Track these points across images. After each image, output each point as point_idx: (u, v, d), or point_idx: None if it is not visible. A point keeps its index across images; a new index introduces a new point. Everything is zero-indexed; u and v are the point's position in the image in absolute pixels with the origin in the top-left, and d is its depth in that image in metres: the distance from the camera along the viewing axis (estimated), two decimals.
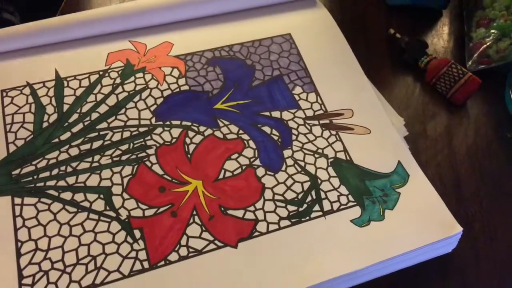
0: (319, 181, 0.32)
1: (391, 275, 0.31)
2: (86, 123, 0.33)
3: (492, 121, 0.38)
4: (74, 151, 0.31)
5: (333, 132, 0.34)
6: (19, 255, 0.27)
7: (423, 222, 0.30)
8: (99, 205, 0.29)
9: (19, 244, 0.27)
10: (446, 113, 0.38)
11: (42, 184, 0.30)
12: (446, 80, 0.37)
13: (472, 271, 0.31)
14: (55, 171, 0.30)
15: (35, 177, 0.30)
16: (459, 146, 0.37)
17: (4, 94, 0.33)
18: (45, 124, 0.32)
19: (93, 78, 0.35)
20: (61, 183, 0.30)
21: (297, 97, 0.36)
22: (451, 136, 0.37)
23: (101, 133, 0.32)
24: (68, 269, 0.27)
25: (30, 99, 0.33)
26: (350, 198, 0.31)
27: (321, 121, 0.35)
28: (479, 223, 0.33)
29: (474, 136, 0.37)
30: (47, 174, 0.30)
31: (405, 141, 0.35)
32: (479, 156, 0.36)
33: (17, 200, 0.29)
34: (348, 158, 0.33)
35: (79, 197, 0.30)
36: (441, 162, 0.36)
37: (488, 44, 0.38)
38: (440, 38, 0.43)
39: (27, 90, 0.34)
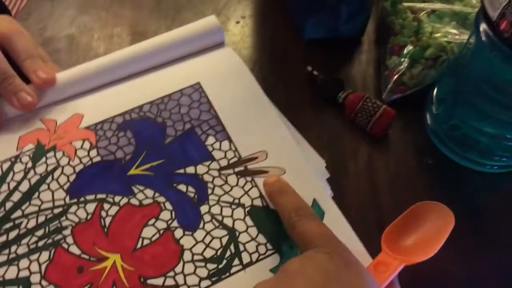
0: (237, 233, 0.34)
1: None
2: (1, 215, 0.34)
3: (413, 148, 0.40)
4: None
5: (249, 179, 0.36)
6: None
7: None
8: None
9: None
10: (367, 147, 0.40)
11: None
12: (364, 114, 0.39)
13: None
14: None
15: None
16: (381, 180, 0.38)
17: None
18: None
19: (5, 166, 0.37)
20: None
21: (210, 148, 0.37)
22: (372, 171, 0.39)
23: (16, 222, 0.34)
24: None
25: None
26: (269, 246, 0.33)
27: (236, 169, 0.36)
28: None
29: (396, 168, 0.39)
30: None
31: (326, 182, 0.37)
32: (401, 188, 0.38)
33: None
34: (264, 204, 0.35)
35: None
36: (364, 202, 0.37)
37: (401, 71, 0.40)
38: (358, 68, 0.45)
39: None
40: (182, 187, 0.36)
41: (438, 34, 0.39)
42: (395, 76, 0.40)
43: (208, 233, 0.34)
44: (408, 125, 0.41)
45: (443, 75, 0.39)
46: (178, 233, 0.34)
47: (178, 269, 0.32)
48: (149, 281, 0.32)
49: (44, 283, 0.32)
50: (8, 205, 0.35)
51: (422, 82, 0.39)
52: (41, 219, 0.34)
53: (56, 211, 0.35)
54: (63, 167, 0.37)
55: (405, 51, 0.40)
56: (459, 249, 0.35)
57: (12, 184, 0.36)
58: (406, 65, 0.39)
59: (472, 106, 0.34)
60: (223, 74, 0.41)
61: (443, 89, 0.38)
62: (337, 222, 0.34)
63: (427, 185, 0.38)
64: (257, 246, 0.33)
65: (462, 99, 0.36)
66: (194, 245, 0.33)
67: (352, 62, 0.45)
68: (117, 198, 0.35)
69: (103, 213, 0.35)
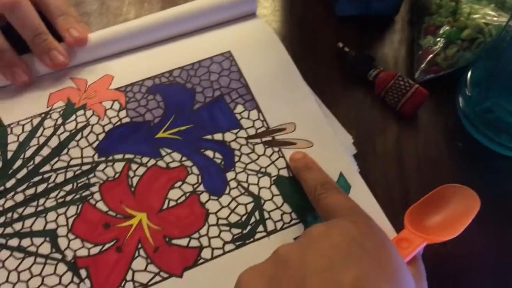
0: (262, 201, 0.34)
1: None
2: (30, 168, 0.35)
3: (442, 131, 0.39)
4: (19, 197, 0.34)
5: (276, 149, 0.36)
6: None
7: None
8: (46, 248, 0.32)
9: None
10: (396, 127, 0.39)
11: None
12: (394, 93, 0.39)
13: None
14: (1, 219, 0.33)
15: None
16: (409, 161, 0.38)
17: None
18: None
19: (36, 121, 0.37)
20: (8, 230, 0.33)
21: (238, 116, 0.37)
22: (400, 151, 0.38)
23: (45, 176, 0.35)
24: None
25: None
26: (293, 215, 0.33)
27: (264, 139, 0.36)
28: None
29: (424, 149, 0.38)
30: None
31: (353, 157, 0.37)
32: (429, 169, 0.37)
33: None
34: (291, 175, 0.35)
35: (26, 242, 0.32)
36: (390, 179, 0.37)
37: (436, 52, 0.39)
38: (390, 47, 0.44)
39: None
40: (209, 153, 0.36)
41: (477, 16, 0.38)
42: (429, 56, 0.39)
43: (233, 199, 0.34)
44: (438, 106, 0.40)
45: (478, 57, 0.38)
46: (204, 197, 0.34)
47: (203, 231, 0.33)
48: (174, 241, 0.32)
49: (70, 236, 0.32)
50: (37, 159, 0.36)
51: (457, 64, 0.39)
52: (70, 174, 0.35)
53: (85, 167, 0.35)
54: (92, 126, 0.37)
55: (441, 31, 0.39)
56: (487, 232, 0.35)
57: (42, 139, 0.36)
58: (441, 45, 0.39)
59: (508, 89, 0.34)
60: (254, 44, 0.41)
61: (478, 72, 0.37)
62: (363, 196, 0.34)
63: (456, 167, 0.37)
64: (281, 215, 0.33)
65: (498, 81, 0.35)
66: (219, 210, 0.34)
67: (384, 41, 0.45)
68: (144, 159, 0.36)
69: (131, 173, 0.35)
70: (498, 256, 0.34)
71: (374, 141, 0.39)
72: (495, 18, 0.38)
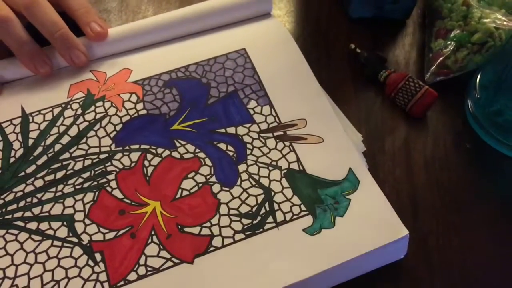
0: (273, 193, 0.35)
1: (345, 285, 0.33)
2: (49, 155, 0.36)
3: (451, 132, 0.40)
4: (39, 183, 0.35)
5: (287, 144, 0.37)
6: None
7: (371, 227, 0.33)
8: (63, 232, 0.33)
9: None
10: (405, 127, 0.40)
11: (10, 216, 0.34)
12: (404, 94, 0.39)
13: (425, 286, 0.33)
14: (21, 203, 0.34)
15: (4, 210, 0.34)
16: (417, 160, 0.38)
17: None
18: (12, 160, 0.36)
19: (56, 111, 0.38)
20: (28, 214, 0.34)
21: (251, 111, 0.38)
22: (409, 150, 0.39)
23: (64, 163, 0.36)
24: None
25: None
26: (303, 207, 0.34)
27: (275, 133, 0.37)
28: (434, 237, 0.35)
29: (432, 149, 0.39)
30: (14, 206, 0.34)
31: (362, 155, 0.37)
32: (437, 168, 0.38)
33: None
34: (301, 168, 0.36)
35: (44, 226, 0.33)
36: (398, 177, 0.38)
37: (446, 55, 0.40)
38: (401, 50, 0.45)
39: None
40: (222, 146, 0.37)
41: (487, 20, 0.39)
42: (440, 59, 0.40)
43: (244, 190, 0.35)
44: (448, 108, 0.41)
45: (488, 61, 0.39)
46: (216, 187, 0.35)
47: (214, 220, 0.34)
48: (186, 229, 0.33)
49: (87, 221, 0.34)
50: (57, 147, 0.37)
51: (466, 67, 0.39)
52: (87, 162, 0.36)
53: (102, 156, 0.36)
54: (110, 117, 0.38)
55: (451, 35, 0.40)
56: (494, 234, 0.35)
57: (62, 128, 0.38)
58: (451, 48, 0.39)
59: None
60: (269, 43, 0.42)
61: (487, 75, 0.38)
62: (371, 191, 0.34)
63: (463, 168, 0.38)
64: (291, 207, 0.34)
65: (507, 85, 0.36)
66: (230, 200, 0.35)
67: (396, 44, 0.46)
68: (159, 150, 0.37)
69: (146, 163, 0.36)
70: (506, 258, 0.35)
71: (383, 140, 0.39)
72: (505, 23, 0.39)
